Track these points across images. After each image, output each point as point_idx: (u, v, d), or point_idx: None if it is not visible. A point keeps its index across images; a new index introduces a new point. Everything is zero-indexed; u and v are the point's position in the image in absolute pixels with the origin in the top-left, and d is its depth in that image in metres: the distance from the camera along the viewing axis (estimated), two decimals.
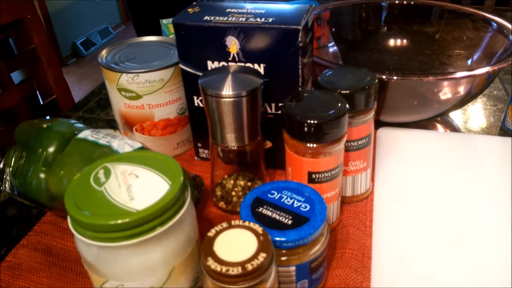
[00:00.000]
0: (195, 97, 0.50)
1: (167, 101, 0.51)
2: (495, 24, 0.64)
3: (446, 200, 0.46)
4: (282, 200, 0.35)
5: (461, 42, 0.73)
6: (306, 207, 0.35)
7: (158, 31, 0.74)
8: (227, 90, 0.39)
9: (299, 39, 0.42)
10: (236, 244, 0.27)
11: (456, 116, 0.64)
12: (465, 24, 0.71)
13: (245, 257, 0.26)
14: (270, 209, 0.35)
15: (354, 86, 0.40)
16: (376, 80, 0.41)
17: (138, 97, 0.50)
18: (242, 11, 0.46)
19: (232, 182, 0.48)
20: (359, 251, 0.41)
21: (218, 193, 0.48)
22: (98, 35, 3.19)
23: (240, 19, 0.44)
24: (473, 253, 0.40)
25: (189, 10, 0.47)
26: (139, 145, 0.41)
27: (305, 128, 0.37)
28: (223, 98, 0.39)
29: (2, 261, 0.41)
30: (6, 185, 0.44)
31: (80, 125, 0.45)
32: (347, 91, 0.40)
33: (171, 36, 0.64)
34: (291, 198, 0.36)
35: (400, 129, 0.59)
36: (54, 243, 0.43)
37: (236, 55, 0.45)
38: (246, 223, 0.29)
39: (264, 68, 0.45)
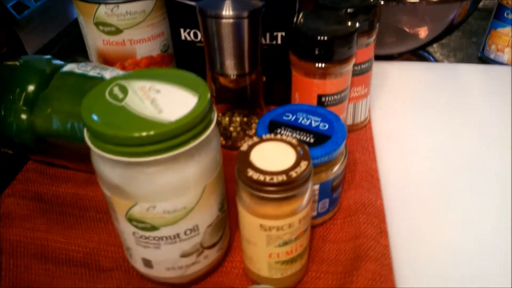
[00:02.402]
0: (181, 30, 0.46)
1: (150, 36, 0.48)
2: None
3: (440, 123, 0.48)
4: (299, 121, 0.34)
5: None
6: (325, 126, 0.34)
7: None
8: (228, 11, 0.36)
9: None
10: (273, 156, 0.26)
11: (433, 49, 0.65)
12: None
13: (287, 166, 0.25)
14: (289, 129, 0.33)
15: (359, 6, 0.39)
16: (379, 0, 0.40)
17: (118, 31, 0.46)
18: None
19: (227, 119, 0.46)
20: (368, 174, 0.41)
21: None
22: None
23: None
24: (468, 171, 0.42)
25: None
26: None
27: (317, 47, 0.35)
28: (224, 19, 0.36)
29: None
30: None
31: (58, 61, 0.41)
32: (353, 10, 0.38)
33: None
34: (307, 119, 0.34)
35: (387, 61, 0.59)
36: (44, 190, 0.39)
37: None
38: (279, 136, 0.27)
39: None
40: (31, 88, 0.38)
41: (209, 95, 0.25)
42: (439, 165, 0.42)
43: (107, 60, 0.48)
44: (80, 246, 0.34)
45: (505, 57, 0.58)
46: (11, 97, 0.38)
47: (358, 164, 0.42)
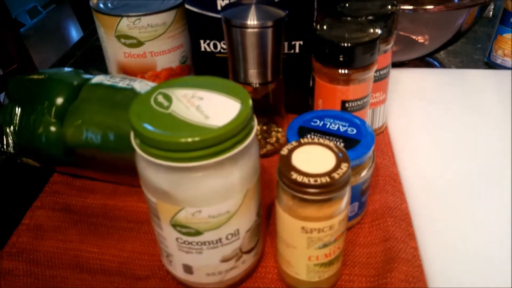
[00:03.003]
0: (201, 41, 0.47)
1: (170, 48, 0.48)
2: None
3: (454, 127, 0.49)
4: (327, 126, 0.35)
5: None
6: (353, 130, 0.34)
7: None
8: (252, 20, 0.37)
9: None
10: (313, 159, 0.27)
11: (440, 56, 0.67)
12: None
13: (328, 169, 0.26)
14: (318, 135, 0.34)
15: (378, 13, 0.40)
16: (398, 7, 0.41)
17: (139, 44, 0.47)
18: None
19: None
20: (390, 178, 0.41)
21: None
22: (26, 14, 2.93)
23: None
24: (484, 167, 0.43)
25: None
26: None
27: (342, 53, 0.36)
28: (249, 28, 0.37)
29: (19, 224, 0.37)
30: (10, 146, 0.40)
31: (86, 75, 0.41)
32: (372, 18, 0.40)
33: None
34: (335, 124, 0.35)
35: (398, 68, 0.60)
36: (72, 201, 0.40)
37: None
38: (316, 140, 0.28)
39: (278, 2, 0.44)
40: (59, 100, 0.38)
41: (251, 101, 0.26)
42: (457, 166, 0.43)
43: (127, 72, 0.49)
44: (113, 255, 0.35)
45: None
46: (39, 110, 0.39)
47: (380, 169, 0.43)
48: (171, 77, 0.50)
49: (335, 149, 0.27)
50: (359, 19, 0.39)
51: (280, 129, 0.47)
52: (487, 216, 0.38)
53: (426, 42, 0.59)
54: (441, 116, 0.51)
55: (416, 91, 0.55)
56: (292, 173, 0.26)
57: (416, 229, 0.37)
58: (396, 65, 0.62)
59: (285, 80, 0.49)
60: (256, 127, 0.27)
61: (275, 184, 0.42)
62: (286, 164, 0.26)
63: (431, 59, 0.66)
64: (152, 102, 0.26)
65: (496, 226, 0.37)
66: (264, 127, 0.47)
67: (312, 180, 0.25)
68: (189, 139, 0.23)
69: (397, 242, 0.35)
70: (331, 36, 0.37)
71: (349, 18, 0.39)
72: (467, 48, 0.68)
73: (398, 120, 0.50)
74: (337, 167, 0.26)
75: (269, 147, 0.46)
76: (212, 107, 0.25)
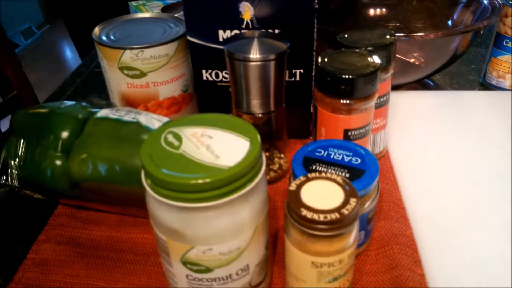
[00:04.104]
0: (203, 71, 0.48)
1: (172, 78, 0.49)
2: None
3: (454, 148, 0.49)
4: (332, 156, 0.35)
5: (423, 11, 0.76)
6: (357, 160, 0.35)
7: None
8: (255, 54, 0.38)
9: (315, 0, 0.42)
10: (322, 194, 0.27)
11: (436, 77, 0.68)
12: None
13: (337, 204, 0.26)
14: (324, 165, 0.34)
15: (377, 43, 0.41)
16: (396, 37, 0.42)
17: (142, 75, 0.47)
18: None
19: None
20: (394, 203, 0.42)
21: None
22: (21, 35, 2.95)
23: None
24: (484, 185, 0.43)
25: None
26: (166, 119, 0.39)
27: (344, 85, 0.37)
28: (251, 61, 0.38)
29: (24, 259, 0.37)
30: (14, 179, 0.40)
31: (91, 108, 0.42)
32: (371, 48, 0.41)
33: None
34: (339, 154, 0.36)
35: (395, 91, 0.61)
36: (78, 234, 0.40)
37: (250, 22, 0.44)
38: (323, 174, 0.29)
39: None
40: (65, 134, 0.39)
41: (259, 138, 0.26)
42: (457, 188, 0.44)
43: (130, 102, 0.49)
44: None
45: (507, 83, 0.61)
46: (44, 144, 0.39)
47: (383, 195, 0.43)
48: (173, 105, 0.51)
49: (343, 183, 0.28)
50: (359, 49, 0.40)
51: (282, 155, 0.48)
52: (493, 239, 0.38)
53: (422, 65, 0.60)
54: (440, 138, 0.51)
55: (415, 113, 0.56)
56: (302, 209, 0.26)
57: (422, 255, 0.37)
58: (393, 87, 0.63)
59: (286, 106, 0.50)
60: (264, 163, 0.27)
61: (279, 213, 0.42)
62: (295, 200, 0.27)
63: (427, 80, 0.67)
64: (162, 141, 0.26)
65: (503, 249, 0.37)
66: (267, 153, 0.47)
67: (322, 217, 0.25)
68: (200, 181, 0.23)
69: (404, 269, 0.35)
70: (332, 67, 0.37)
71: (349, 49, 0.40)
72: (461, 69, 0.69)
73: (398, 143, 0.51)
74: (345, 202, 0.26)
75: (272, 174, 0.46)
76: (222, 146, 0.26)
